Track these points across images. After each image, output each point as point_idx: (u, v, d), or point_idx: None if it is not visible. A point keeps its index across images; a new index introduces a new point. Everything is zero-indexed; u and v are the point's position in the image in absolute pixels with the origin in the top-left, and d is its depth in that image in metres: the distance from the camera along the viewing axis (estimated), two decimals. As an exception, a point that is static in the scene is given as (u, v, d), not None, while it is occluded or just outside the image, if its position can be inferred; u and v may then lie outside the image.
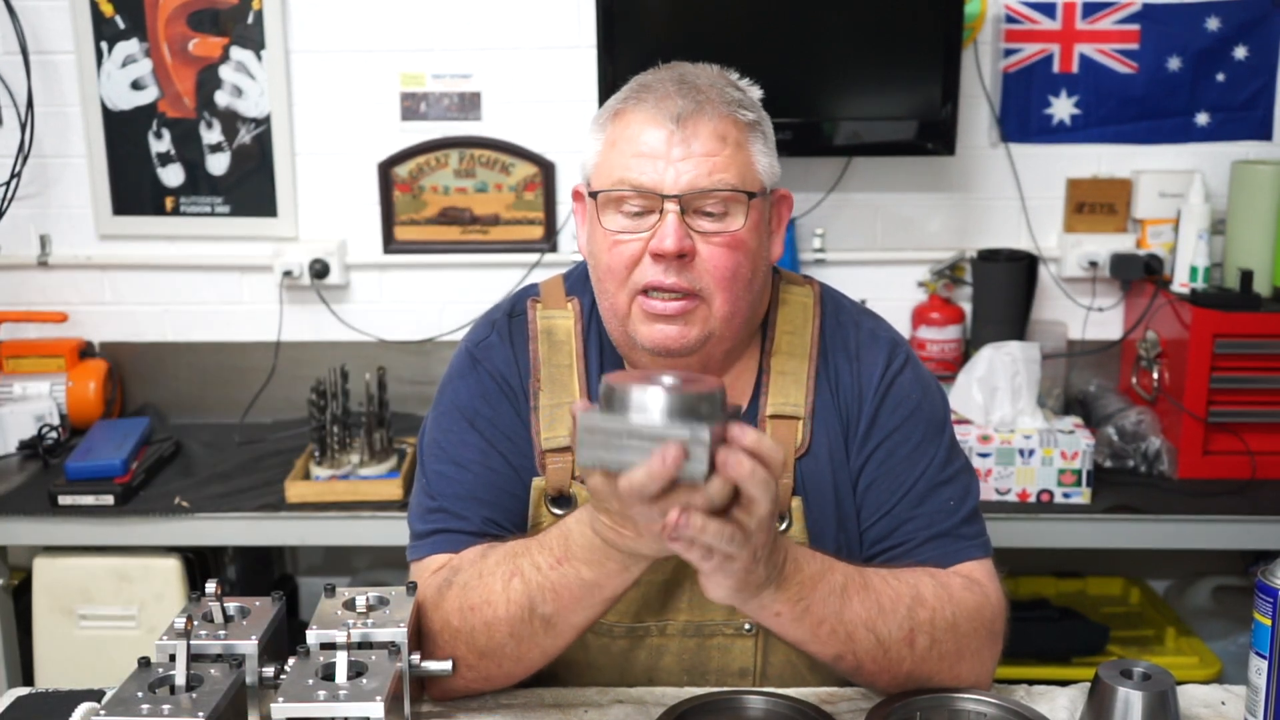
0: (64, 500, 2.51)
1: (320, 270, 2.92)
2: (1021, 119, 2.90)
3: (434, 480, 1.49)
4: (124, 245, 2.99)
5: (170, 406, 3.04)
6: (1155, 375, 2.75)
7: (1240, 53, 2.85)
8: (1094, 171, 2.93)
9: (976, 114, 2.89)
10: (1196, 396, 2.62)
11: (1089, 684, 1.33)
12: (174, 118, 2.90)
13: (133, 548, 2.53)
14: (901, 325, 2.92)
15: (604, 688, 1.46)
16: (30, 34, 2.83)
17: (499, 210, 2.94)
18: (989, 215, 2.96)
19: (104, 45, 2.86)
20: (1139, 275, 2.84)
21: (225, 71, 2.88)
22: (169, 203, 2.94)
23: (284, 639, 1.37)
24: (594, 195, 1.43)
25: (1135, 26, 2.85)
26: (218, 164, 2.92)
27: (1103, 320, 2.97)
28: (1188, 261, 2.73)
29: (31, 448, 2.76)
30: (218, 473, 2.68)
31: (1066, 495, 2.53)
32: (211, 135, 2.90)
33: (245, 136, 2.91)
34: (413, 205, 2.95)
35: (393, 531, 2.50)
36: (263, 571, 3.00)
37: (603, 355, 1.52)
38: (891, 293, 2.94)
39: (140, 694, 1.19)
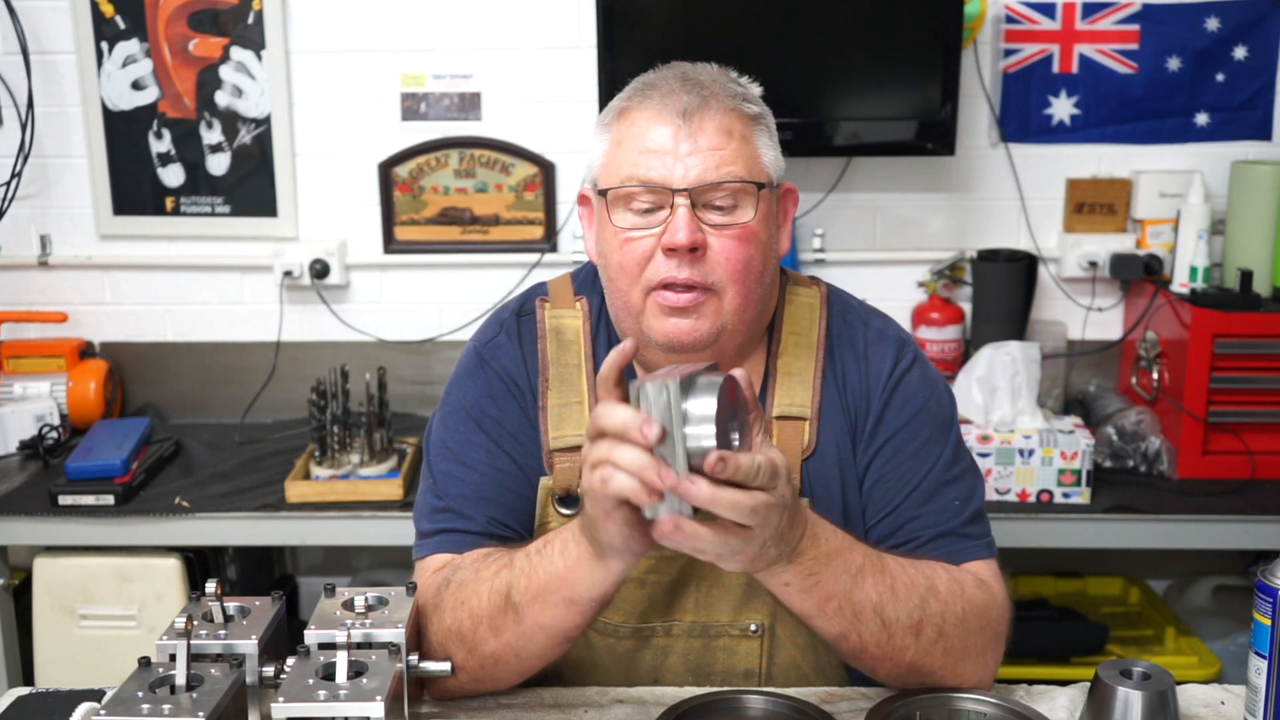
0: (64, 500, 2.51)
1: (320, 270, 2.92)
2: (1021, 119, 2.91)
3: (440, 480, 1.49)
4: (124, 245, 2.99)
5: (170, 406, 3.04)
6: (1155, 375, 2.75)
7: (1240, 53, 2.85)
8: (1094, 172, 2.93)
9: (976, 114, 2.89)
10: (1196, 396, 2.62)
11: (1089, 684, 1.33)
12: (174, 118, 2.90)
13: (133, 547, 2.53)
14: (901, 325, 2.91)
15: (604, 688, 1.46)
16: (31, 34, 2.83)
17: (499, 210, 2.94)
18: (989, 215, 2.96)
19: (104, 45, 2.86)
20: (1139, 275, 2.84)
21: (225, 72, 2.88)
22: (169, 203, 2.94)
23: (284, 639, 1.37)
24: (603, 194, 1.43)
25: (1135, 27, 2.85)
26: (218, 164, 2.92)
27: (1102, 320, 2.98)
28: (1187, 261, 2.74)
29: (32, 448, 2.77)
30: (218, 472, 2.68)
31: (1066, 495, 2.53)
32: (212, 135, 2.91)
33: (245, 136, 2.91)
34: (413, 205, 2.95)
35: (393, 531, 2.51)
36: (263, 571, 3.00)
37: None
38: (891, 293, 2.94)
39: (140, 694, 1.19)
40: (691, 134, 1.38)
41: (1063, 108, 2.90)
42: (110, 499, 2.51)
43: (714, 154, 1.38)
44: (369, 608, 1.32)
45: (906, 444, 1.48)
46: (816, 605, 1.29)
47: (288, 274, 2.92)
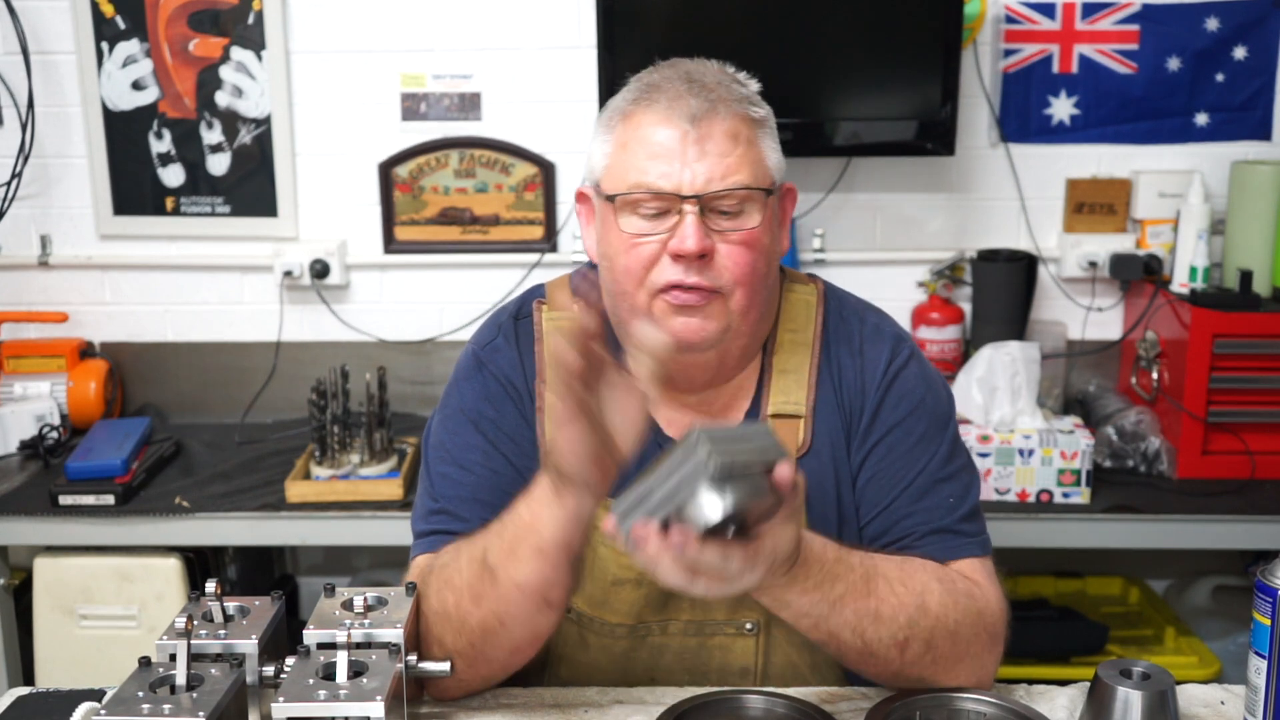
0: (64, 500, 2.51)
1: (320, 270, 2.92)
2: (1021, 119, 2.91)
3: (438, 482, 1.49)
4: (124, 245, 2.99)
5: (171, 406, 3.04)
6: (1155, 375, 2.75)
7: (1240, 53, 2.85)
8: (1093, 172, 2.93)
9: (976, 114, 2.89)
10: (1196, 396, 2.62)
11: (1088, 684, 1.33)
12: (174, 118, 2.90)
13: (133, 547, 2.53)
14: (898, 322, 2.91)
15: (604, 688, 1.45)
16: (31, 34, 2.83)
17: (499, 210, 2.94)
18: (989, 215, 2.96)
19: (104, 45, 2.86)
20: (1138, 275, 2.84)
21: (226, 72, 2.88)
22: (169, 203, 2.94)
23: (284, 639, 1.37)
24: (610, 199, 1.42)
25: (1135, 27, 2.85)
26: (218, 164, 2.92)
27: (1102, 320, 2.98)
28: (1187, 262, 2.74)
29: (32, 448, 2.77)
30: (218, 472, 2.68)
31: (1066, 495, 2.53)
32: (212, 135, 2.91)
33: (246, 137, 2.91)
34: (413, 205, 2.95)
35: (393, 531, 2.51)
36: (263, 571, 3.00)
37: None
38: (891, 293, 2.94)
39: (141, 694, 1.19)
40: (699, 139, 1.38)
41: (1062, 108, 2.90)
42: (110, 499, 2.51)
43: (721, 160, 1.38)
44: (368, 608, 1.32)
45: (901, 440, 1.47)
46: (791, 619, 1.31)
47: (288, 274, 2.92)
